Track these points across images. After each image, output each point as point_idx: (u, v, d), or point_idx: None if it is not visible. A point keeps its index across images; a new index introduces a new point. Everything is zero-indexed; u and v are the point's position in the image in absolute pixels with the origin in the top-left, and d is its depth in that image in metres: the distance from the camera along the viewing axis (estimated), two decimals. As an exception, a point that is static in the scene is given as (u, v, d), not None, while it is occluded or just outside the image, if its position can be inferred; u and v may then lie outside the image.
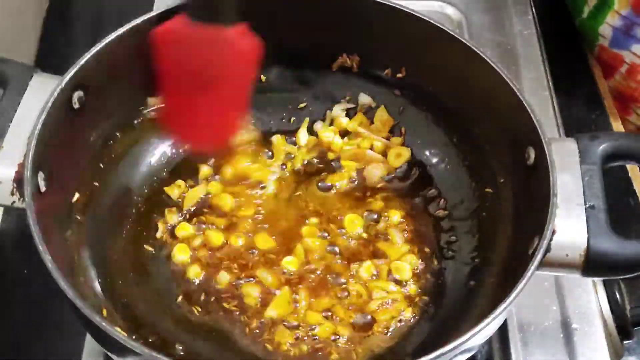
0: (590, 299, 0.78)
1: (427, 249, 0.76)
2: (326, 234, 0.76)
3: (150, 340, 0.67)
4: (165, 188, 0.78)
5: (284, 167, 0.81)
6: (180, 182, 0.79)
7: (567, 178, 0.64)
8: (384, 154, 0.82)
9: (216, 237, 0.75)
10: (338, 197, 0.79)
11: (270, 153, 0.82)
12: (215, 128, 0.72)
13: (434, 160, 0.81)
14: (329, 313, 0.71)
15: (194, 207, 0.77)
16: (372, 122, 0.84)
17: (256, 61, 0.67)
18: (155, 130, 0.79)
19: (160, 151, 0.80)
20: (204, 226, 0.76)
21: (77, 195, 0.69)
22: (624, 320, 0.77)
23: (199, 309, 0.71)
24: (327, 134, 0.83)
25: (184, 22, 0.65)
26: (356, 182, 0.81)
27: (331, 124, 0.84)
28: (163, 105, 0.73)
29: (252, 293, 0.71)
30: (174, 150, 0.81)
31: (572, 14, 1.06)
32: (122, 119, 0.75)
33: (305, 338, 0.69)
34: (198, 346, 0.68)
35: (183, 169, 0.80)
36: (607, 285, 0.79)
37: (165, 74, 0.69)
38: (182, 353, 0.67)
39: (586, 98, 1.02)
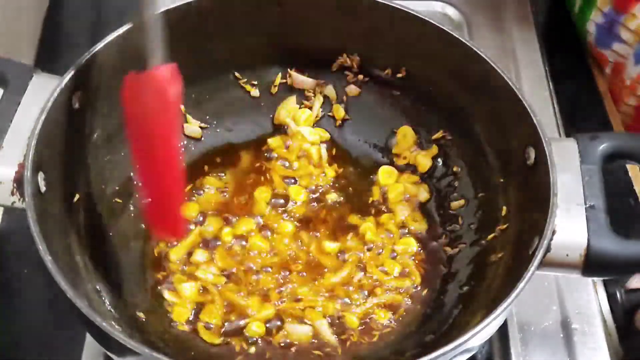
0: (590, 299, 0.78)
1: (426, 249, 0.76)
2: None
3: (151, 340, 0.67)
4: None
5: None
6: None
7: (567, 178, 0.64)
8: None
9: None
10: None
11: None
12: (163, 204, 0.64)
13: (434, 160, 0.81)
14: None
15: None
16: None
17: (171, 102, 0.60)
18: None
19: (160, 151, 0.80)
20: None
21: (77, 196, 0.69)
22: (624, 320, 0.77)
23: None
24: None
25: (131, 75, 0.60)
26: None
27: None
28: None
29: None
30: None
31: (570, 10, 1.06)
32: (123, 119, 0.75)
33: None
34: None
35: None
36: (607, 285, 0.80)
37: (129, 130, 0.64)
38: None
39: (586, 98, 1.02)
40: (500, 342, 0.76)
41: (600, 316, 0.77)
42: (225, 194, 0.79)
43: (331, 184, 0.81)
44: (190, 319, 0.71)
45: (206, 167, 0.81)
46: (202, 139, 0.82)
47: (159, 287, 0.72)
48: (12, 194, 0.62)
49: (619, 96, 0.97)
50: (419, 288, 0.74)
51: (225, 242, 0.75)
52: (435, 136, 0.81)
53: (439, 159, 0.81)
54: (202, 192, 0.79)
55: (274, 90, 0.84)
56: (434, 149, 0.81)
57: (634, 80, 0.91)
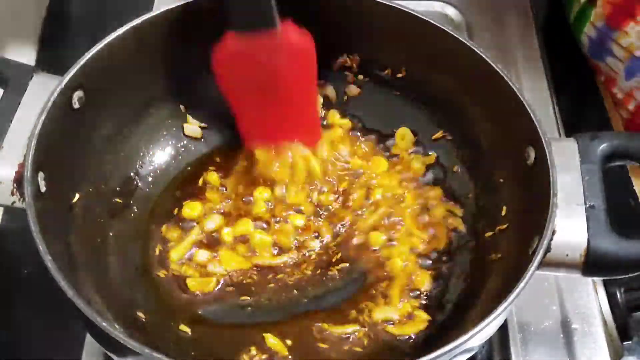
0: (590, 299, 0.78)
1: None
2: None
3: (151, 340, 0.67)
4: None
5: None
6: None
7: (567, 178, 0.64)
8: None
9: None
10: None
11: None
12: (295, 128, 0.73)
13: (434, 159, 0.81)
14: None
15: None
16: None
17: (313, 53, 0.67)
18: (155, 132, 0.79)
19: (161, 152, 0.80)
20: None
21: (77, 195, 0.69)
22: (624, 320, 0.77)
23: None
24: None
25: (235, 38, 0.64)
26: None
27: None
28: (239, 121, 0.75)
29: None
30: (174, 152, 0.81)
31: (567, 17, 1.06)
32: (122, 119, 0.75)
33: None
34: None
35: (184, 170, 0.81)
36: (607, 285, 0.79)
37: (232, 93, 0.70)
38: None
39: (586, 98, 1.02)
40: (500, 342, 0.76)
41: (600, 316, 0.77)
42: (226, 193, 0.79)
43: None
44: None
45: (206, 167, 0.81)
46: (202, 139, 0.82)
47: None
48: (12, 194, 0.62)
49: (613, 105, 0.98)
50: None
51: (225, 242, 0.75)
52: (435, 136, 0.81)
53: (439, 159, 0.81)
54: (203, 192, 0.79)
55: (274, 90, 0.84)
56: (432, 157, 0.81)
57: (626, 94, 0.91)
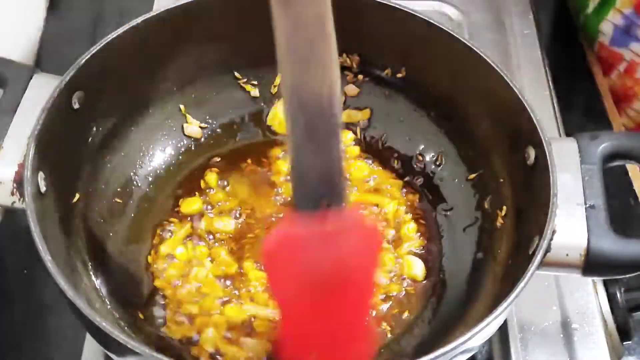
0: (590, 299, 0.78)
1: (426, 249, 0.76)
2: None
3: (151, 340, 0.67)
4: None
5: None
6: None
7: (567, 178, 0.64)
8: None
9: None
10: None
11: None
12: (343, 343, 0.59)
13: (434, 159, 0.81)
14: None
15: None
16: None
17: (378, 236, 0.58)
18: (155, 132, 0.79)
19: (161, 152, 0.80)
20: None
21: (77, 195, 0.69)
22: (624, 320, 0.77)
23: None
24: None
25: (294, 219, 0.53)
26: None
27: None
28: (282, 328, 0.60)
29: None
30: (174, 152, 0.81)
31: (577, 10, 1.06)
32: (122, 119, 0.75)
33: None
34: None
35: (184, 170, 0.81)
36: (607, 285, 0.79)
37: (283, 290, 0.57)
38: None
39: (586, 98, 1.02)
40: (500, 342, 0.76)
41: (600, 316, 0.77)
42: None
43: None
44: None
45: (206, 167, 0.81)
46: (202, 139, 0.82)
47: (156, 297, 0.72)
48: (12, 194, 0.62)
49: (629, 95, 0.98)
50: (418, 287, 0.74)
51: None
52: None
53: (439, 160, 0.81)
54: (203, 192, 0.79)
55: (274, 90, 0.84)
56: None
57: None
